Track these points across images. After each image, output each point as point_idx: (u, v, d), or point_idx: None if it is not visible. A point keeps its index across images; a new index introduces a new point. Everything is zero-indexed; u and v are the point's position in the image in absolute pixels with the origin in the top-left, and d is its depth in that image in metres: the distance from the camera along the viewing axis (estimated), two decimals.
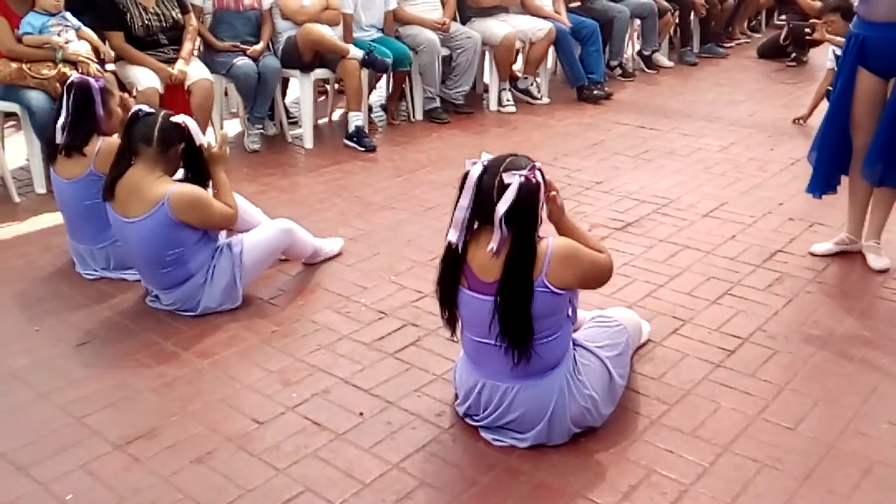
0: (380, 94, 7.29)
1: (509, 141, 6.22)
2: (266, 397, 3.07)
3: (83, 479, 2.65)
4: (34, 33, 4.91)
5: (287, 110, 6.62)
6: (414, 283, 3.92)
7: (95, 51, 5.14)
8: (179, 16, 5.58)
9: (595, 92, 7.31)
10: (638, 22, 8.37)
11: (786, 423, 2.88)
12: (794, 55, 8.68)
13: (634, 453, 2.74)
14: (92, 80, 3.99)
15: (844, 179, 4.10)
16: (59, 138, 3.94)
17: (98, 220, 3.85)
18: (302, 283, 3.98)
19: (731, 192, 5.07)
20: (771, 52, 8.92)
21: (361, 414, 2.96)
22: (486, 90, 7.38)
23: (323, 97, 7.21)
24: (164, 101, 5.21)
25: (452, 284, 2.69)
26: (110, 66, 5.29)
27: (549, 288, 2.57)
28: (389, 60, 6.19)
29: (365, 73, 6.17)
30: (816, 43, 6.43)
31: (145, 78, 5.27)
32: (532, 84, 7.33)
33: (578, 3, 7.81)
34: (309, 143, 6.16)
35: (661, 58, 8.58)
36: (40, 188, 5.14)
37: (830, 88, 4.32)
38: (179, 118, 3.56)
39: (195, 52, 5.78)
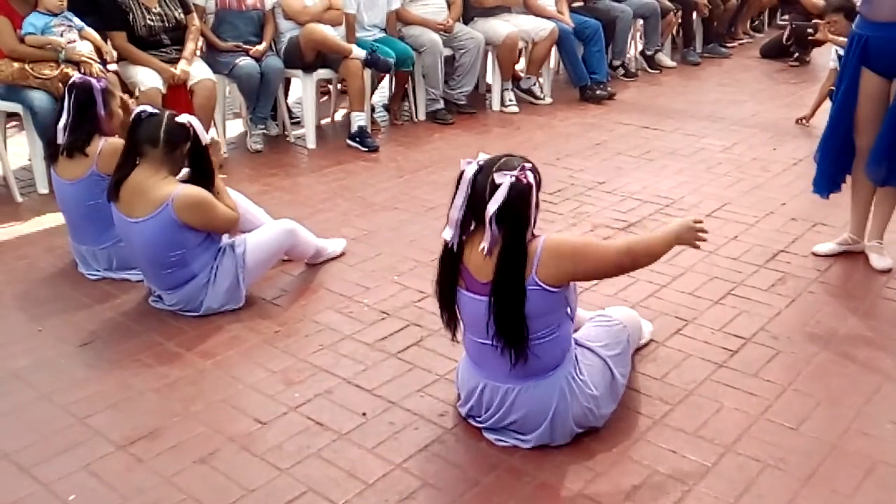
0: (382, 94, 7.29)
1: (512, 141, 6.22)
2: (268, 397, 3.07)
3: (86, 480, 2.66)
4: (37, 33, 4.92)
5: (290, 110, 6.62)
6: (416, 283, 3.92)
7: (98, 51, 5.14)
8: (182, 16, 5.58)
9: (598, 92, 7.31)
10: (641, 22, 8.37)
11: (788, 423, 2.88)
12: (796, 55, 8.68)
13: (637, 453, 2.74)
14: (93, 81, 3.99)
15: (848, 179, 4.09)
16: (61, 139, 3.94)
17: (100, 221, 3.86)
18: (304, 284, 3.98)
19: (734, 193, 5.07)
20: (774, 52, 8.92)
21: (364, 414, 2.96)
22: (489, 90, 7.38)
23: (325, 97, 7.21)
24: (166, 101, 5.21)
25: (450, 285, 2.70)
26: (112, 67, 5.29)
27: (540, 286, 2.56)
28: (392, 60, 6.19)
29: (368, 73, 6.17)
30: (819, 43, 6.41)
31: (148, 78, 5.27)
32: (535, 84, 7.33)
33: (581, 3, 7.81)
34: (311, 144, 6.16)
35: (664, 58, 8.58)
36: (43, 188, 5.15)
37: (833, 88, 4.31)
38: (185, 118, 3.56)
39: (198, 53, 5.79)
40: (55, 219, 4.63)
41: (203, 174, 3.62)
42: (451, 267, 2.67)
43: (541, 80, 7.42)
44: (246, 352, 3.39)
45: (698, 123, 6.60)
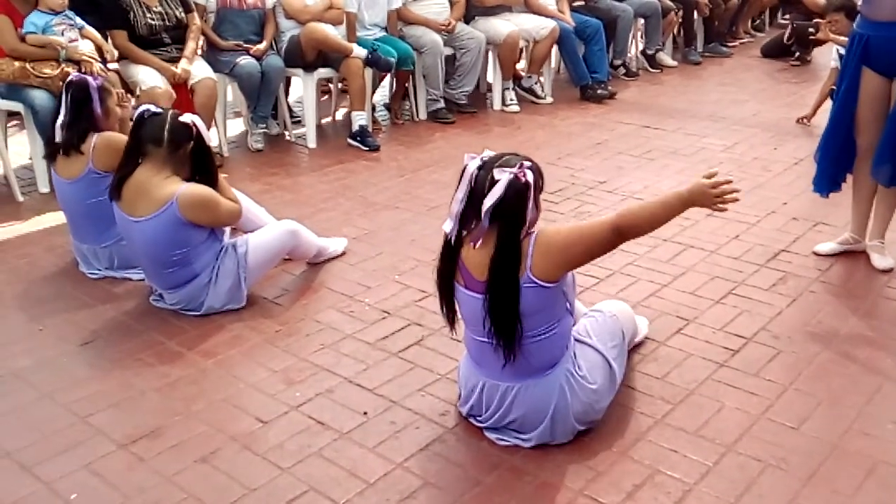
0: (383, 93, 7.29)
1: (513, 140, 6.22)
2: (270, 397, 3.07)
3: (87, 479, 2.66)
4: (38, 32, 4.92)
5: (290, 109, 6.62)
6: (417, 282, 3.92)
7: (99, 50, 5.15)
8: (183, 15, 5.58)
9: (599, 91, 7.31)
10: (642, 21, 8.36)
11: (790, 423, 2.88)
12: (797, 54, 8.67)
13: (638, 453, 2.74)
14: (90, 79, 3.99)
15: (849, 178, 4.09)
16: (59, 137, 3.95)
17: (101, 220, 3.86)
18: (306, 283, 3.98)
19: None
20: (775, 52, 8.91)
21: (365, 413, 2.96)
22: (490, 89, 7.37)
23: (326, 96, 7.21)
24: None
25: (448, 276, 2.70)
26: (113, 66, 5.29)
27: (536, 282, 2.56)
28: (393, 60, 6.19)
29: (368, 72, 6.17)
30: (820, 42, 6.42)
31: (149, 77, 5.27)
32: (536, 83, 7.33)
33: (582, 2, 7.80)
34: (312, 143, 6.16)
35: (665, 57, 8.57)
36: (44, 187, 5.15)
37: (834, 88, 4.31)
38: (188, 118, 3.56)
39: (199, 52, 5.78)
40: (56, 218, 4.63)
41: (206, 173, 3.62)
42: (449, 259, 2.68)
43: (542, 79, 7.42)
44: (247, 351, 3.39)
45: (699, 123, 6.59)
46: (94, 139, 3.90)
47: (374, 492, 2.58)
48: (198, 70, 5.51)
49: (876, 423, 2.88)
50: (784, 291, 3.82)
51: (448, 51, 6.77)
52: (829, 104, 5.07)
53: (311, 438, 2.83)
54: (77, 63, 4.93)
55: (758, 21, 10.50)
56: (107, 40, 5.33)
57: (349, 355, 3.34)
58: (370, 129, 6.20)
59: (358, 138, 6.08)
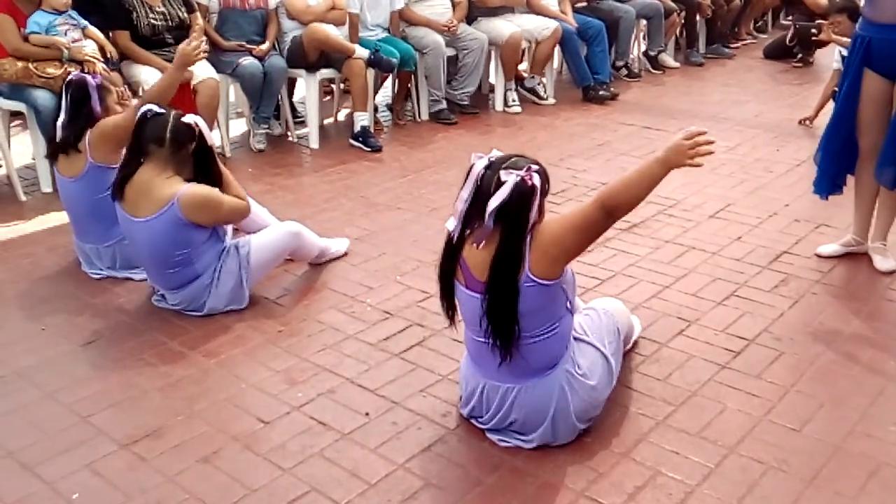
0: (385, 94, 7.29)
1: (515, 141, 6.22)
2: (272, 397, 3.08)
3: (89, 479, 2.66)
4: (41, 32, 4.92)
5: (293, 110, 6.62)
6: (419, 283, 3.92)
7: (102, 50, 5.15)
8: (185, 15, 5.59)
9: (601, 92, 7.31)
10: (644, 22, 8.37)
11: (792, 425, 2.88)
12: (800, 56, 8.67)
13: (640, 454, 2.74)
14: (89, 77, 4.00)
15: (850, 180, 4.09)
16: (59, 136, 3.95)
17: (104, 218, 3.86)
18: (308, 283, 3.98)
19: (737, 193, 5.07)
20: (777, 53, 8.91)
21: (367, 414, 2.96)
22: (492, 90, 7.37)
23: (328, 97, 7.22)
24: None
25: (449, 274, 2.71)
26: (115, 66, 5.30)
27: (536, 281, 2.56)
28: (396, 60, 6.19)
29: (371, 72, 6.17)
30: (823, 44, 6.41)
31: (152, 77, 5.26)
32: (538, 84, 7.33)
33: (584, 3, 7.81)
34: (314, 143, 6.16)
35: (667, 58, 8.57)
36: (46, 187, 5.15)
37: (836, 89, 4.31)
38: (190, 118, 3.56)
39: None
40: (58, 217, 4.63)
41: (208, 174, 3.62)
42: (450, 257, 2.68)
43: (544, 80, 7.42)
44: (249, 351, 3.39)
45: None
46: (88, 134, 3.91)
47: (375, 492, 2.58)
48: (200, 70, 5.51)
49: (879, 425, 2.87)
50: (786, 293, 3.81)
51: (450, 51, 6.76)
52: (831, 106, 5.07)
53: (313, 439, 2.83)
54: (80, 63, 4.93)
55: (760, 22, 10.50)
56: (109, 40, 5.33)
57: (351, 356, 3.34)
58: (372, 130, 6.20)
59: (360, 139, 6.08)
